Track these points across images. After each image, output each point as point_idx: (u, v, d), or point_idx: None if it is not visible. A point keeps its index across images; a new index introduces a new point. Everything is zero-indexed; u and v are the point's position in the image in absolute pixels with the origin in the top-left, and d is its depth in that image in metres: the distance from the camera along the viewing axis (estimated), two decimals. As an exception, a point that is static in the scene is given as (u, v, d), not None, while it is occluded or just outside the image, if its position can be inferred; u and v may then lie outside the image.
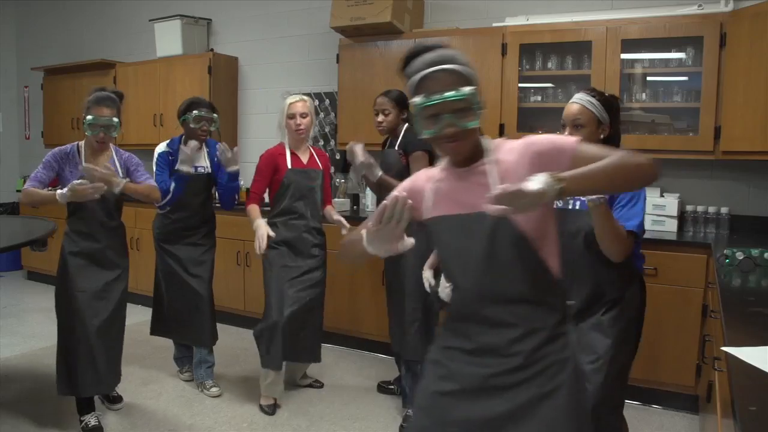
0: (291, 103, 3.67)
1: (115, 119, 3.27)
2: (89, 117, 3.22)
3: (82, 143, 3.40)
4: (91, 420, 3.44)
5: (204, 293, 3.90)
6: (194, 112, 3.74)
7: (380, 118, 3.64)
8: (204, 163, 3.88)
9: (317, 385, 4.13)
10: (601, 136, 2.44)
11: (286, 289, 3.68)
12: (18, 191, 7.33)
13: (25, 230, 3.89)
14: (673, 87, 4.07)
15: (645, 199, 2.40)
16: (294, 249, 3.74)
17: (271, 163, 3.74)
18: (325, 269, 3.87)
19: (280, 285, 3.69)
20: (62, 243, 3.37)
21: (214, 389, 3.98)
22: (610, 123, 2.45)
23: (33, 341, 4.92)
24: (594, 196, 2.10)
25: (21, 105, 8.20)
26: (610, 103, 2.46)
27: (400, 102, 3.60)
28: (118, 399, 3.80)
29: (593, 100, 2.43)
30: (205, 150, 3.88)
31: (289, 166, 3.73)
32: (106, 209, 3.39)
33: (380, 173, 3.40)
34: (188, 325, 3.94)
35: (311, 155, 3.85)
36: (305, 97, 3.74)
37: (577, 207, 2.45)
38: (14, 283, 7.06)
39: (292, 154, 3.76)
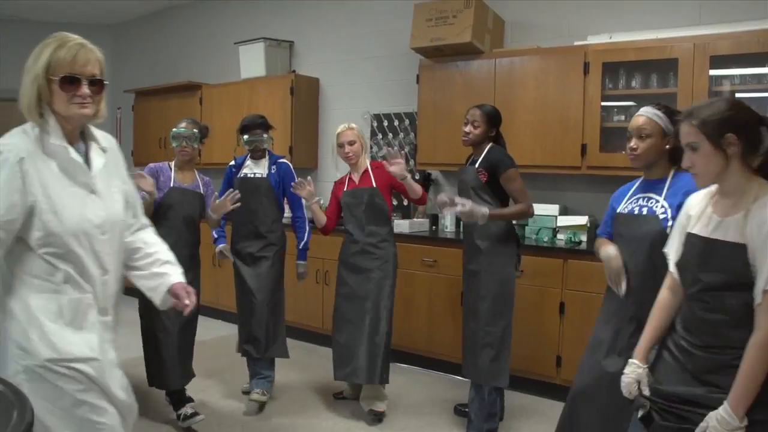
0: (339, 133, 3.90)
1: (195, 130, 3.75)
2: (173, 130, 3.76)
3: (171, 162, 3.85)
4: (188, 410, 3.72)
5: (259, 306, 3.95)
6: (245, 137, 4.02)
7: (468, 128, 3.59)
8: (261, 171, 4.04)
9: (375, 417, 3.87)
10: (667, 147, 2.55)
11: (340, 306, 3.90)
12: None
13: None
14: (766, 104, 3.91)
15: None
16: (349, 267, 3.88)
17: (333, 192, 4.05)
18: (387, 283, 3.82)
19: (336, 302, 3.93)
20: None
21: (255, 395, 3.98)
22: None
23: (119, 352, 5.07)
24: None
25: (114, 125, 8.60)
26: (673, 117, 2.52)
27: (492, 118, 3.59)
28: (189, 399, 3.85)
29: (659, 113, 2.56)
30: (266, 160, 4.07)
31: (345, 189, 3.93)
32: (188, 221, 3.76)
33: (487, 212, 3.32)
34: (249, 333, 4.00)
35: (365, 173, 3.91)
36: (353, 125, 3.93)
37: (644, 213, 2.54)
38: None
39: (349, 177, 3.96)
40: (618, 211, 2.67)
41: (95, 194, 1.96)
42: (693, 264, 1.92)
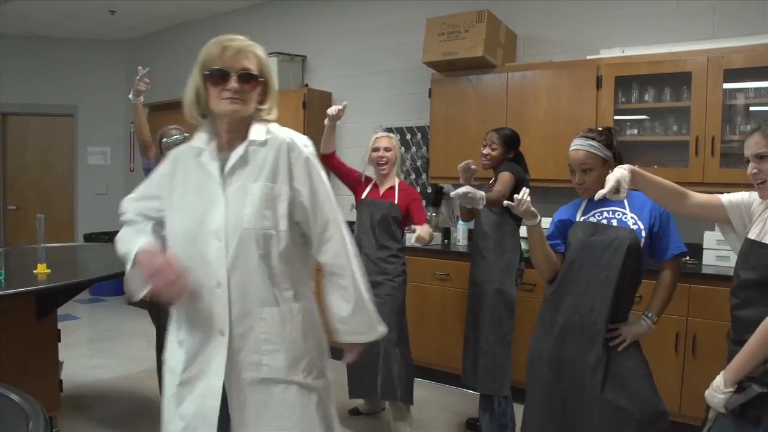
0: (377, 138, 3.92)
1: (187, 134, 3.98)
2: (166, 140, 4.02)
3: None
4: None
5: None
6: None
7: (486, 150, 3.68)
8: None
9: None
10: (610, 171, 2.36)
11: None
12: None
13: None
14: (780, 118, 3.89)
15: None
16: None
17: (357, 176, 4.00)
18: (398, 298, 3.77)
19: None
20: None
21: None
22: (613, 158, 2.61)
23: (133, 364, 5.12)
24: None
25: (127, 140, 8.66)
26: (609, 140, 2.62)
27: (508, 141, 3.65)
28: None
29: (594, 143, 2.58)
30: None
31: (364, 196, 3.87)
32: None
33: (484, 194, 3.17)
34: None
35: (391, 189, 3.87)
36: (391, 135, 3.97)
37: (614, 224, 2.52)
38: (116, 307, 7.39)
39: (374, 185, 3.91)
40: (580, 220, 2.62)
41: (224, 197, 1.81)
42: (738, 263, 2.09)
